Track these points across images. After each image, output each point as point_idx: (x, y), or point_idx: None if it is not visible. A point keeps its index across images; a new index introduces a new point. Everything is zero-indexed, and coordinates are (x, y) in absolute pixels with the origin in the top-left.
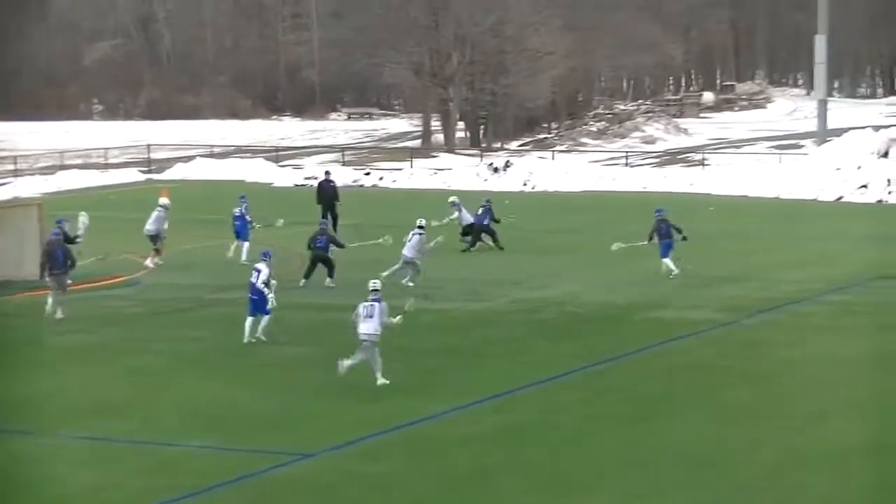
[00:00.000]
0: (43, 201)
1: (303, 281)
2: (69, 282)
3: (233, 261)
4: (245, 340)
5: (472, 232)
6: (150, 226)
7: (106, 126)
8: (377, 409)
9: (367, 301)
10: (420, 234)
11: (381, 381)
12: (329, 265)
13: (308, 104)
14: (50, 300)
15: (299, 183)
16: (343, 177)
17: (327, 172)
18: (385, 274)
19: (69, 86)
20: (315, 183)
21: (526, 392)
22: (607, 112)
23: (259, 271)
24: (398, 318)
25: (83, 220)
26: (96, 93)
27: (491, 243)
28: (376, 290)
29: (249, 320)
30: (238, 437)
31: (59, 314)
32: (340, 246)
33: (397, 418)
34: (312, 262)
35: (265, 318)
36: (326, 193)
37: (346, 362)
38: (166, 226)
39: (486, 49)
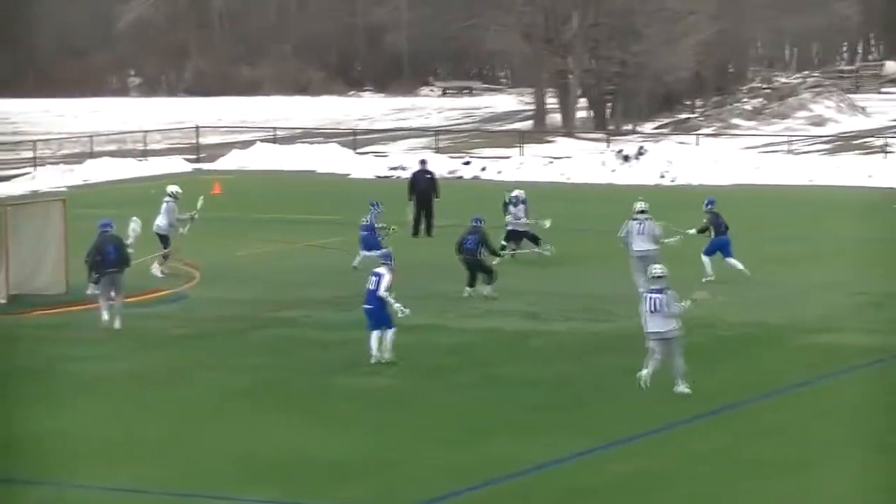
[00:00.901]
0: (67, 197)
1: (467, 290)
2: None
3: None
4: (372, 360)
5: (515, 237)
6: (159, 221)
7: (144, 104)
8: (474, 456)
9: (650, 292)
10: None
11: (682, 389)
12: (484, 270)
13: (393, 77)
14: (104, 312)
15: (382, 174)
16: (436, 166)
17: (423, 161)
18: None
19: (97, 55)
20: (405, 174)
21: (660, 434)
22: (765, 87)
23: (379, 276)
24: (689, 302)
25: (134, 228)
26: (131, 63)
27: (537, 249)
28: (660, 278)
29: (374, 335)
30: (302, 488)
31: (116, 324)
32: (494, 252)
33: (498, 467)
34: (467, 268)
35: (390, 333)
36: (422, 187)
37: (645, 372)
38: (186, 221)
39: (613, 8)
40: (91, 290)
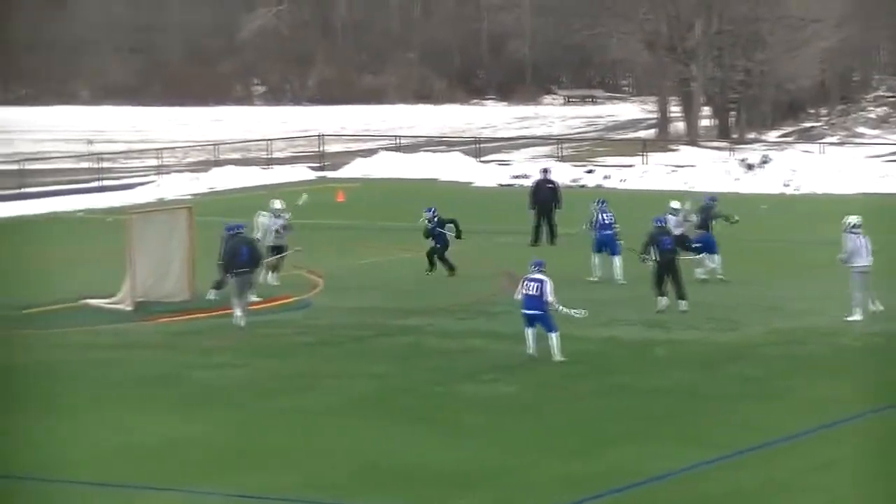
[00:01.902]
0: (193, 204)
1: (661, 301)
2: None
3: (441, 279)
4: (530, 351)
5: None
6: (267, 236)
7: (268, 112)
8: (595, 465)
9: None
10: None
11: None
12: (677, 276)
13: (516, 85)
14: (238, 311)
15: (505, 182)
16: (559, 174)
17: (545, 170)
18: None
19: (222, 63)
20: (527, 182)
21: (784, 445)
22: (890, 95)
23: (541, 283)
24: None
25: (262, 221)
26: (256, 72)
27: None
28: None
29: (530, 331)
30: (423, 497)
31: (242, 322)
32: (690, 249)
33: (619, 477)
34: (666, 271)
35: (555, 337)
36: (544, 196)
37: None
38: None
39: (737, 15)
40: (212, 294)
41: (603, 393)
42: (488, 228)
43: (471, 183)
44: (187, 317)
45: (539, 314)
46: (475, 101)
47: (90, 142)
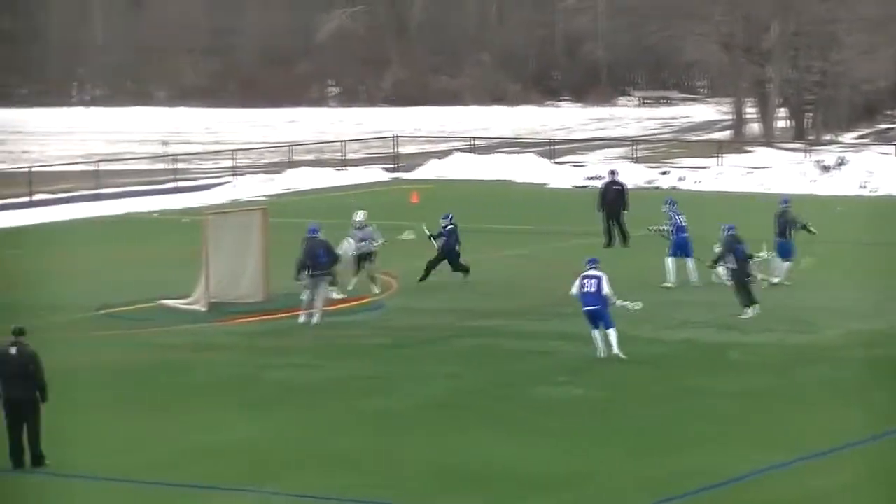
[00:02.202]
0: (268, 205)
1: (750, 310)
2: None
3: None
4: (600, 354)
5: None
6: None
7: (343, 114)
8: (668, 468)
9: None
10: None
11: None
12: (744, 285)
13: (591, 87)
14: (316, 316)
15: (579, 184)
16: (634, 176)
17: (613, 172)
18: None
19: (298, 65)
20: (598, 184)
21: (858, 448)
22: None
23: (598, 278)
24: None
25: (346, 249)
26: (331, 73)
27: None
28: None
29: (596, 333)
30: (497, 499)
31: (313, 319)
32: (750, 256)
33: (693, 479)
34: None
35: (613, 332)
36: (611, 197)
37: None
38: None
39: (813, 16)
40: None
41: (677, 396)
42: (563, 230)
43: (545, 184)
44: (262, 318)
45: (599, 310)
46: (550, 102)
47: (165, 143)
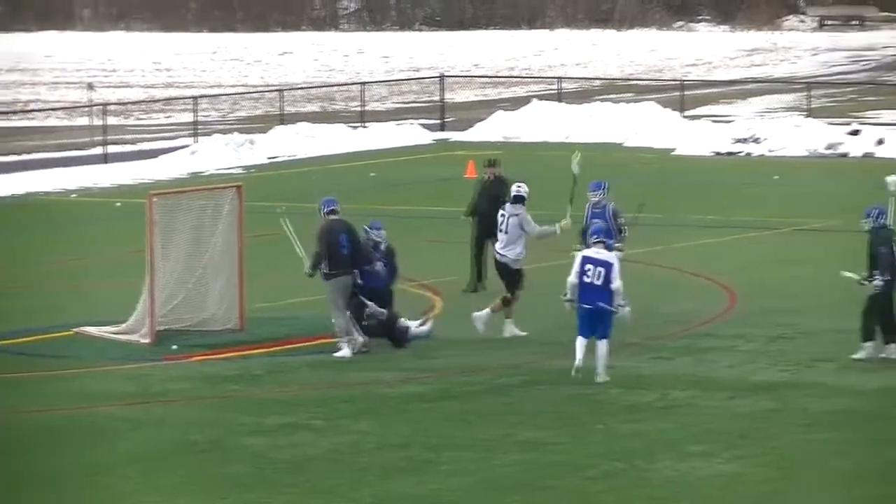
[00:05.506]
0: (245, 181)
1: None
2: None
3: None
4: (574, 372)
5: None
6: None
7: (361, 40)
8: None
9: None
10: None
11: None
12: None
13: (742, 1)
14: (345, 348)
15: (722, 150)
16: (808, 138)
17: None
18: None
19: None
20: (758, 150)
21: None
22: None
23: (608, 264)
24: None
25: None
26: None
27: None
28: None
29: (583, 342)
30: None
31: (359, 343)
32: None
33: None
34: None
35: (604, 345)
36: None
37: None
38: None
39: None
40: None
41: (878, 472)
42: (718, 221)
43: (671, 150)
44: (236, 353)
45: (602, 310)
46: (680, 23)
47: (91, 86)
